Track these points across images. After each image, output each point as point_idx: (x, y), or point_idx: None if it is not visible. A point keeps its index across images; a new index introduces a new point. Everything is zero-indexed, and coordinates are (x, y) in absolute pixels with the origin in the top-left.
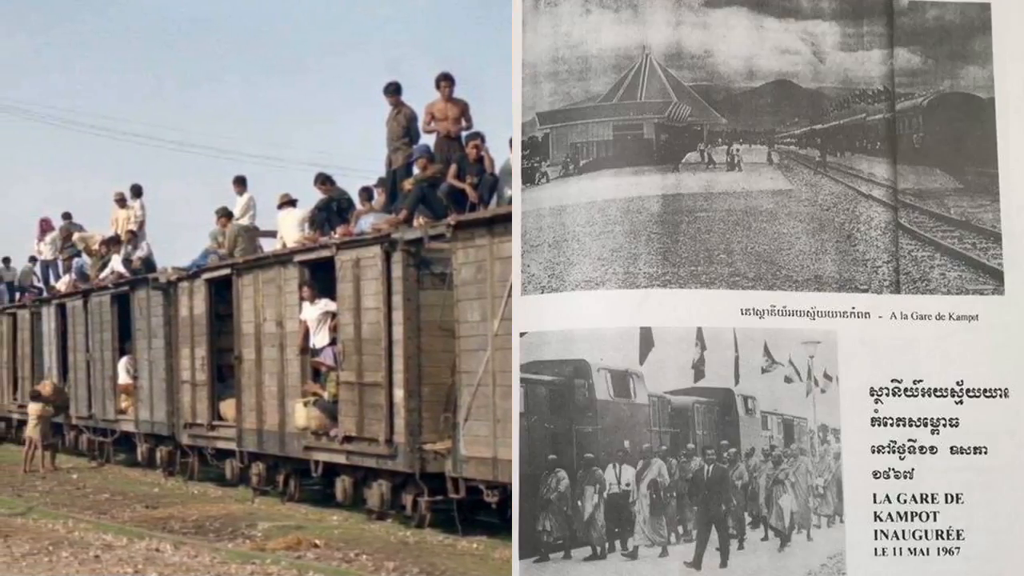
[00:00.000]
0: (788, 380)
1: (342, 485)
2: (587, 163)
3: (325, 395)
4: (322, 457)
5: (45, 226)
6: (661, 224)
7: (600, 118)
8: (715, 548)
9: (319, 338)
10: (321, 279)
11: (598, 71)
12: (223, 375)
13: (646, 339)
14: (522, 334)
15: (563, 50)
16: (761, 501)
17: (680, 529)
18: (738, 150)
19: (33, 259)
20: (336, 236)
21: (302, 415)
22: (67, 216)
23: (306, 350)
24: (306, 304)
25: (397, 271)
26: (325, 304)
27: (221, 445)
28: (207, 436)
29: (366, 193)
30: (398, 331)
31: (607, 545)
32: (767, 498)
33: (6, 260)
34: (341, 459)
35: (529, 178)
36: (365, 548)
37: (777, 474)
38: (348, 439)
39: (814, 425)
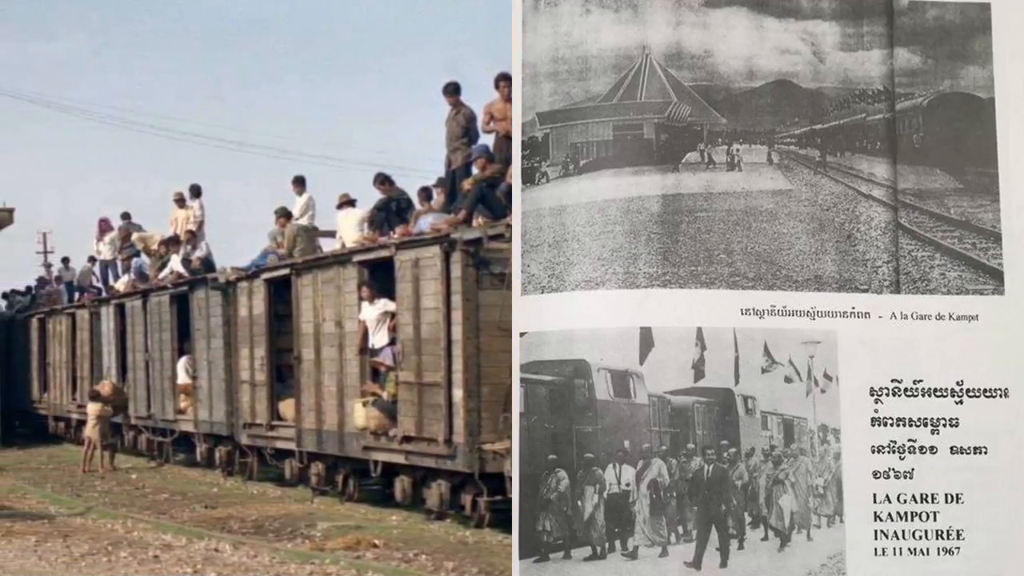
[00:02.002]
0: (788, 380)
1: (401, 485)
2: (587, 163)
3: (384, 395)
4: (381, 457)
5: (104, 226)
6: (661, 224)
7: (600, 118)
8: (715, 548)
9: (378, 338)
10: (380, 279)
11: (598, 71)
12: (282, 375)
13: (646, 339)
14: (522, 334)
15: (563, 50)
16: (761, 501)
17: (680, 529)
18: (738, 150)
19: (92, 259)
20: (395, 236)
21: (361, 415)
22: (126, 216)
23: (365, 350)
24: (365, 304)
25: (456, 271)
26: (384, 304)
27: (280, 445)
28: (266, 436)
29: (425, 193)
30: (457, 331)
31: (607, 545)
32: (767, 498)
33: (65, 260)
34: (400, 459)
35: (529, 178)
36: (424, 548)
37: (777, 474)
38: (407, 439)
39: (814, 425)
